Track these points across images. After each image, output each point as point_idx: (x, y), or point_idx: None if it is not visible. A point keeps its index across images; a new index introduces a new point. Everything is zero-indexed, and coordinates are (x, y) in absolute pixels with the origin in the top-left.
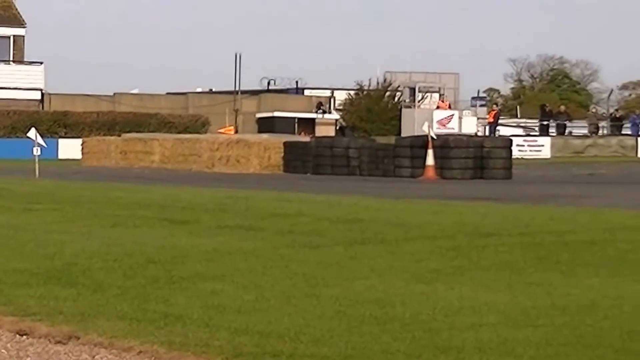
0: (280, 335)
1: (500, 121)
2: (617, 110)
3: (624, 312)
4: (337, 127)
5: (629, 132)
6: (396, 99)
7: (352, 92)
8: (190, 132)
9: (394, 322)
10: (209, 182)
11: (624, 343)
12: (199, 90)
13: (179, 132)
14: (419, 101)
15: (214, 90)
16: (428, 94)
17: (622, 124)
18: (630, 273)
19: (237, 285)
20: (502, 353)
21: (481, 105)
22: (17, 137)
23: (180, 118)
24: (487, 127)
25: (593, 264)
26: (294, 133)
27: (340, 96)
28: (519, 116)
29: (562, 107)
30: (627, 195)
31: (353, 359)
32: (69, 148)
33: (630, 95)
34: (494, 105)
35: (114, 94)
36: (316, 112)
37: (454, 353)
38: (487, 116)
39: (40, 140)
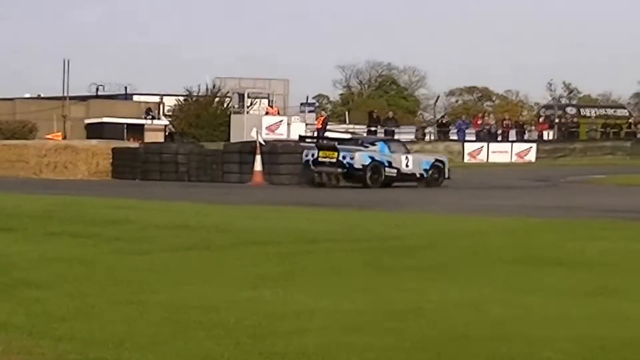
0: (104, 342)
1: (329, 127)
2: (443, 116)
3: (448, 316)
4: (166, 133)
5: (455, 138)
6: (225, 104)
7: (181, 98)
8: (17, 138)
9: (219, 327)
10: (37, 189)
11: (447, 346)
12: (27, 95)
13: (6, 138)
14: (248, 107)
15: (42, 96)
16: (257, 100)
17: (449, 130)
18: (454, 277)
19: (62, 292)
20: (325, 358)
21: (310, 111)
22: None
23: (7, 124)
24: (316, 133)
25: (419, 268)
26: (123, 139)
27: (170, 102)
28: (347, 122)
29: (390, 113)
30: (454, 201)
31: None
32: None
33: (456, 101)
34: (322, 112)
35: None
36: (145, 117)
37: (277, 358)
38: (316, 122)
39: None
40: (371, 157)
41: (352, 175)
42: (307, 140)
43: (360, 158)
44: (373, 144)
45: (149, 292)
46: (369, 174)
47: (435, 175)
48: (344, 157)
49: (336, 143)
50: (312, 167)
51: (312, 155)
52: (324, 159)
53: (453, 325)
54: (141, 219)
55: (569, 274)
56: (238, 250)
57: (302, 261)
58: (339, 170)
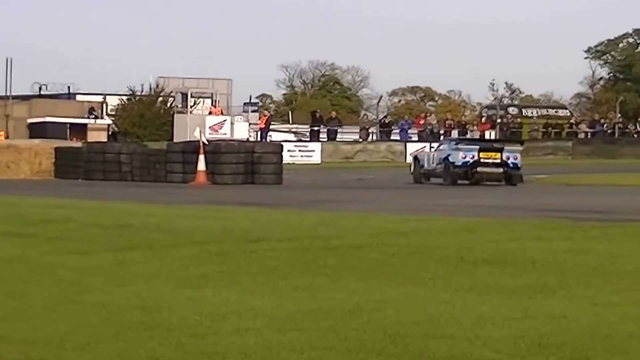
0: (45, 342)
1: (272, 127)
2: (386, 116)
3: (387, 316)
4: (110, 133)
5: (398, 138)
6: (168, 104)
7: (124, 98)
8: None
9: (160, 327)
10: None
11: (386, 345)
12: None
13: None
14: (191, 107)
15: None
16: (201, 100)
17: (391, 130)
18: (393, 277)
19: (2, 292)
20: (266, 357)
21: (253, 111)
22: None
23: None
24: (259, 133)
25: (358, 268)
26: (66, 138)
27: (113, 101)
28: (291, 122)
29: (334, 113)
30: (394, 200)
31: None
32: None
33: (399, 101)
34: (265, 111)
35: None
36: (88, 117)
37: (218, 358)
38: (259, 122)
39: None
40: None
41: (511, 176)
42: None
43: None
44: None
45: (90, 292)
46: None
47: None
48: (507, 158)
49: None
50: (474, 168)
51: (473, 156)
52: (486, 160)
53: (393, 324)
54: (83, 218)
55: (508, 273)
56: (180, 250)
57: (243, 261)
58: (501, 170)
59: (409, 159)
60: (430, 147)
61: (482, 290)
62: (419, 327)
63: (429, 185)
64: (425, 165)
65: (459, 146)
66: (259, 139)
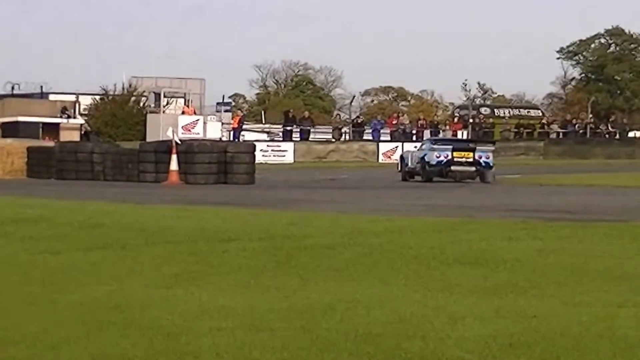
0: (17, 341)
1: (245, 126)
2: (359, 116)
3: (359, 315)
4: (82, 132)
5: (371, 138)
6: (141, 104)
7: (97, 97)
8: None
9: (133, 327)
10: None
11: (359, 345)
12: None
13: None
14: (164, 106)
15: None
16: (173, 99)
17: (364, 130)
18: (366, 276)
19: None
20: (239, 357)
21: (226, 111)
22: None
23: None
24: (231, 133)
25: (331, 268)
26: (39, 138)
27: (86, 101)
28: (264, 122)
29: (306, 113)
30: (367, 200)
31: None
32: None
33: (372, 101)
34: (238, 111)
35: None
36: (61, 116)
37: (191, 357)
38: (232, 121)
39: None
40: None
41: (484, 174)
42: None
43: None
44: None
45: (63, 292)
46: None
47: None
48: (480, 157)
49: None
50: (448, 167)
51: (447, 156)
52: (460, 159)
53: (365, 324)
54: (55, 218)
55: (480, 273)
56: (152, 249)
57: (216, 260)
58: (474, 169)
59: (382, 159)
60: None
61: (453, 290)
62: (391, 327)
63: (404, 185)
64: (409, 164)
65: (434, 146)
66: (231, 138)
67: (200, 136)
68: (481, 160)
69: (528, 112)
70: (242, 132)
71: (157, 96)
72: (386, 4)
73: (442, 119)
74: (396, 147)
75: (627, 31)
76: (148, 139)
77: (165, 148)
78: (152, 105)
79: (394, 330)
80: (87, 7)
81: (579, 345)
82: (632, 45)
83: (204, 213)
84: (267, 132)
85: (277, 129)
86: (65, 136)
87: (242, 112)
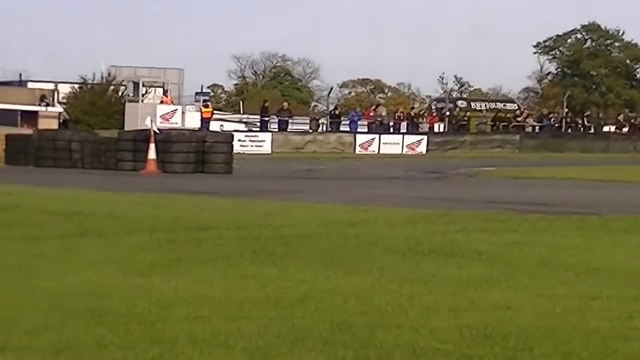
0: None
1: (224, 117)
2: (336, 107)
3: (334, 305)
4: (61, 121)
5: (348, 129)
6: (120, 93)
7: (76, 86)
8: None
9: (109, 314)
10: None
11: (334, 334)
12: None
13: None
14: (143, 96)
15: None
16: (152, 89)
17: (341, 121)
18: (341, 266)
19: None
20: (214, 345)
21: (204, 101)
22: None
23: None
24: (202, 122)
25: (307, 257)
26: (17, 126)
27: (64, 89)
28: (242, 112)
29: (285, 104)
30: (343, 191)
31: (66, 351)
32: None
33: (349, 93)
34: (208, 104)
35: None
36: (39, 104)
37: (167, 345)
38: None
39: None
40: None
41: None
42: None
43: None
44: None
45: (39, 278)
46: None
47: None
48: None
49: None
50: None
51: None
52: None
53: (340, 313)
54: (32, 205)
55: (455, 264)
56: (129, 237)
57: (192, 249)
58: None
59: (359, 150)
60: (379, 139)
61: (428, 280)
62: (366, 317)
63: (381, 176)
64: None
65: None
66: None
67: (179, 126)
68: None
69: (504, 105)
70: (222, 123)
71: (136, 85)
72: None
73: (419, 112)
74: (373, 138)
75: (603, 27)
76: (126, 128)
77: (143, 137)
78: (131, 94)
79: (368, 320)
80: None
81: (552, 336)
82: (608, 41)
83: (181, 202)
84: (245, 123)
85: (255, 119)
86: (43, 124)
87: (211, 105)
